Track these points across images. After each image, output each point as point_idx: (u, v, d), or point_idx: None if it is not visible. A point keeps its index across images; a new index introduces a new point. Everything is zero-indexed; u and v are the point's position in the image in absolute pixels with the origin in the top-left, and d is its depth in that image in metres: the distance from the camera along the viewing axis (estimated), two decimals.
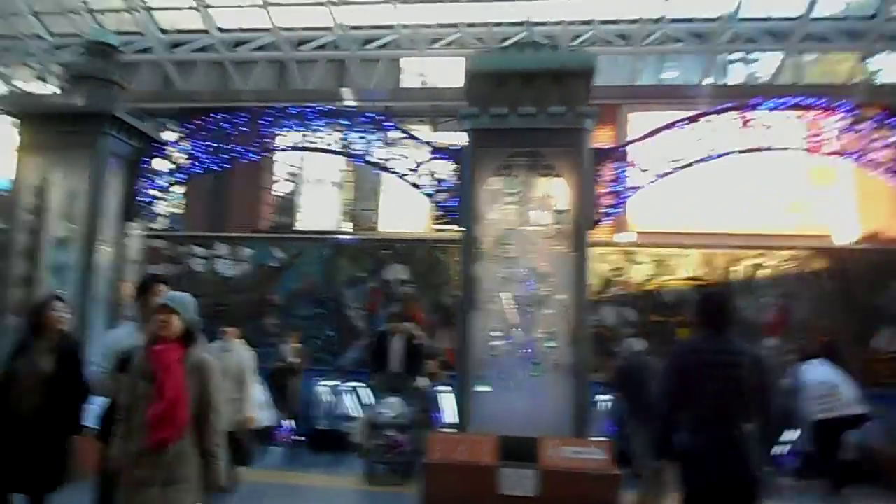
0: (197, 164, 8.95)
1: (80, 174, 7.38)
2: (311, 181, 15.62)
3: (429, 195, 8.36)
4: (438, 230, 14.91)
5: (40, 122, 7.74)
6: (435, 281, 13.05)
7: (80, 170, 7.46)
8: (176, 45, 15.84)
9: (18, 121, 7.96)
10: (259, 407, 7.71)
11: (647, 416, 5.61)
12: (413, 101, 15.31)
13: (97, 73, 8.12)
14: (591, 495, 6.10)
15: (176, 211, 15.62)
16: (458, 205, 7.94)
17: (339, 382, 11.88)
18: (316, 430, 11.40)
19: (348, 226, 15.62)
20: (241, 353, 7.10)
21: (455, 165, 8.23)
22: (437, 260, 13.23)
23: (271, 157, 16.05)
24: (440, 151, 8.45)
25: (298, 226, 15.22)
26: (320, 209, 15.33)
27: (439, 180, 8.29)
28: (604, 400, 9.73)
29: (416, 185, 8.44)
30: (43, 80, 16.78)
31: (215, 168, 9.14)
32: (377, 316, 13.07)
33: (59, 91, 15.53)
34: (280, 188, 16.11)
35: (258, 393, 7.69)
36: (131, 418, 3.59)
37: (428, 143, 8.61)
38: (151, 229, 11.02)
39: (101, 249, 7.24)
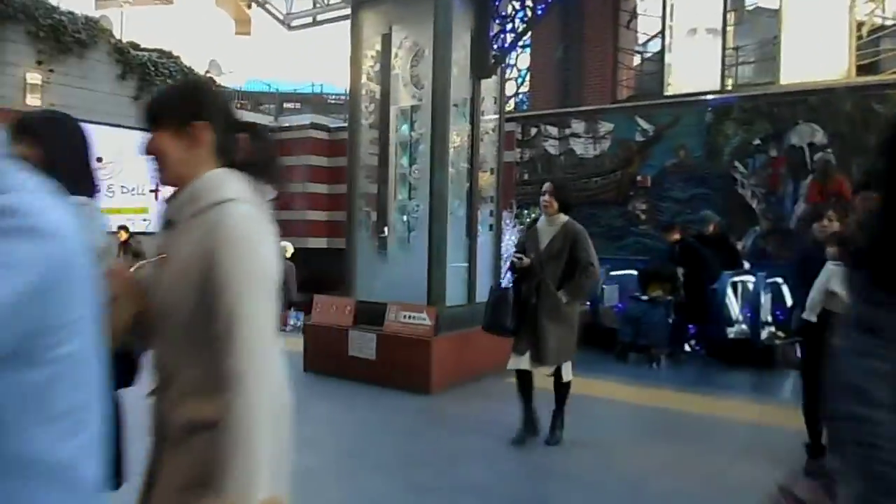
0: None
1: (425, 28, 5.93)
2: (681, 33, 12.60)
3: None
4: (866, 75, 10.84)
5: None
6: (866, 142, 9.39)
7: (425, 22, 6.02)
8: None
9: None
10: None
11: None
12: None
13: None
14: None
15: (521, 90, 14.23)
16: None
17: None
18: (724, 339, 8.62)
19: (736, 82, 12.35)
20: None
21: None
22: (868, 113, 9.47)
23: (629, 11, 13.43)
24: None
25: (669, 90, 12.47)
26: (696, 66, 12.30)
27: None
28: None
29: None
30: None
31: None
32: (779, 194, 10.05)
33: None
34: (642, 47, 13.46)
35: None
36: None
37: None
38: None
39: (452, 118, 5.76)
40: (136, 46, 13.66)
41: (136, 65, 13.26)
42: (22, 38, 11.41)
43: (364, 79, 6.14)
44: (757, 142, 10.41)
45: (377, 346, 5.64)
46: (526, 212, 8.47)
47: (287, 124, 15.68)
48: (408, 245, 5.99)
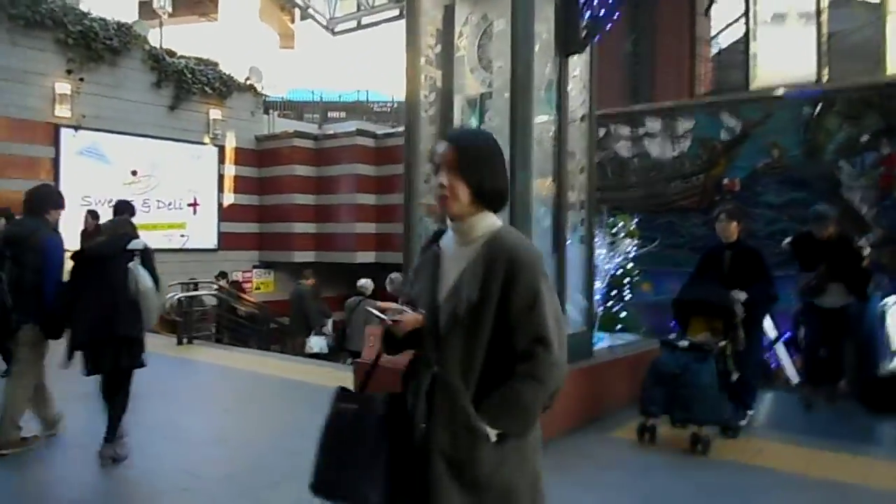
0: None
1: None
2: (767, 19, 11.23)
3: None
4: None
5: None
6: None
7: None
8: None
9: None
10: None
11: None
12: None
13: None
14: None
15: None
16: None
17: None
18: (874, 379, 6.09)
19: (833, 72, 10.91)
20: None
21: None
22: None
23: None
24: None
25: (755, 83, 11.12)
26: (785, 56, 10.91)
27: None
28: None
29: None
30: None
31: None
32: (894, 197, 8.69)
33: None
34: (723, 37, 12.12)
35: None
36: None
37: None
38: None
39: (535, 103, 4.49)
40: (171, 53, 12.95)
41: (171, 72, 12.53)
42: (50, 45, 10.75)
43: (423, 61, 5.05)
44: (866, 138, 9.02)
45: None
46: (612, 219, 7.21)
47: (332, 132, 14.79)
48: None
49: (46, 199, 4.45)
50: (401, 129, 15.03)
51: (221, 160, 13.57)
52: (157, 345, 7.04)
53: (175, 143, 12.67)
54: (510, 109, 4.37)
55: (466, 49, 5.16)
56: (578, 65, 5.07)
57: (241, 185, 13.91)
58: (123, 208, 6.00)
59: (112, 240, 4.22)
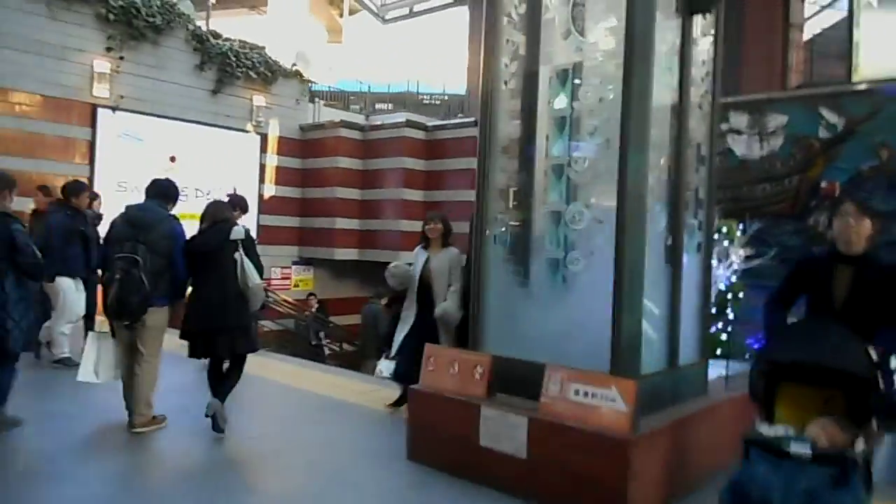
0: None
1: None
2: (872, 2, 9.97)
3: None
4: None
5: None
6: None
7: None
8: None
9: None
10: None
11: None
12: None
13: None
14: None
15: None
16: None
17: None
18: None
19: None
20: None
21: None
22: None
23: None
24: None
25: (858, 74, 9.88)
26: (893, 43, 9.65)
27: None
28: None
29: None
30: None
31: None
32: None
33: None
34: (820, 22, 10.88)
35: None
36: None
37: None
38: None
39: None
40: (216, 35, 12.30)
41: (215, 55, 11.86)
42: (90, 21, 10.14)
43: (504, 22, 4.11)
44: None
45: (529, 436, 3.31)
46: (724, 227, 6.14)
47: (378, 122, 13.96)
48: (560, 273, 3.92)
49: (171, 190, 4.75)
50: (454, 120, 14.18)
51: (263, 149, 12.87)
52: None
53: (216, 129, 12.00)
54: (623, 79, 3.40)
55: (557, 9, 4.21)
56: (701, 35, 4.06)
57: (282, 176, 13.18)
58: (236, 202, 5.80)
59: (214, 231, 4.40)
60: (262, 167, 12.86)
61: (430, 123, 13.45)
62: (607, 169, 3.69)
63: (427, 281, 4.99)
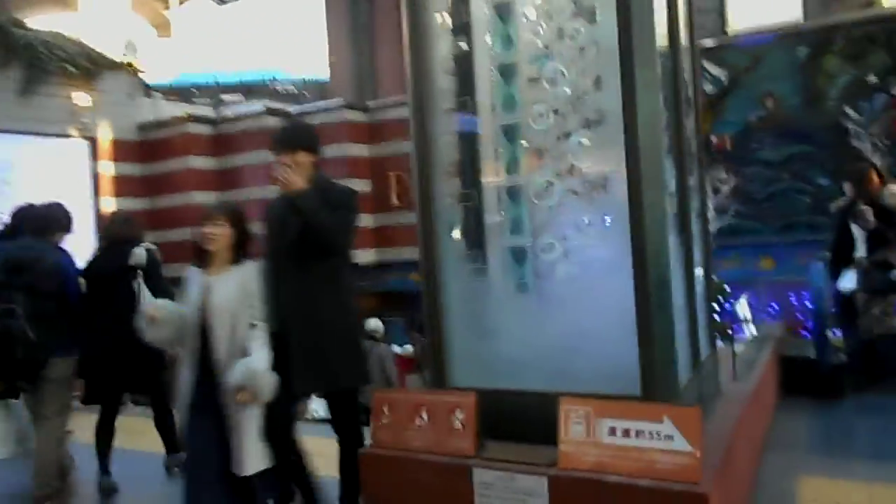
0: None
1: None
2: None
3: None
4: None
5: None
6: None
7: None
8: None
9: None
10: None
11: None
12: None
13: None
14: None
15: None
16: None
17: None
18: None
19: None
20: None
21: None
22: None
23: None
24: None
25: (734, 26, 9.90)
26: None
27: None
28: None
29: None
30: None
31: None
32: None
33: None
34: None
35: None
36: None
37: None
38: None
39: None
40: (19, 24, 10.17)
41: (20, 47, 9.76)
42: None
43: None
44: (873, 79, 7.97)
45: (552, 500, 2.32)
46: None
47: (231, 115, 12.32)
48: (528, 265, 3.02)
49: (51, 219, 4.11)
50: (320, 103, 12.86)
51: (94, 156, 10.87)
52: None
53: (29, 138, 9.91)
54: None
55: None
56: None
57: (123, 185, 11.23)
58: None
59: (111, 255, 3.96)
60: (96, 177, 10.87)
61: (294, 111, 12.06)
62: (582, 123, 2.85)
63: (207, 322, 3.00)
